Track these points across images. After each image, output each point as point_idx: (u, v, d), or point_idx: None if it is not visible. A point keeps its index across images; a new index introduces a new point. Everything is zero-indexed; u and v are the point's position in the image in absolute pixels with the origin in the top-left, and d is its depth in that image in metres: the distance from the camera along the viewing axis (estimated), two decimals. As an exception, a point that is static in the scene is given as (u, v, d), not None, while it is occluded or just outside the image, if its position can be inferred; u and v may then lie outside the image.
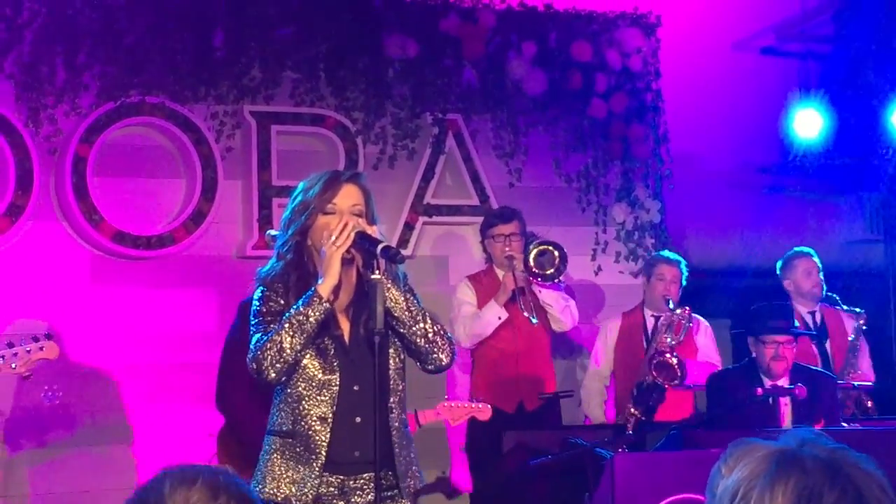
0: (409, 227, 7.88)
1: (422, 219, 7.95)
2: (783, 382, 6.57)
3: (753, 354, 6.71)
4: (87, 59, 7.15)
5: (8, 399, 6.88)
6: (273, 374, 4.12)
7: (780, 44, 9.22)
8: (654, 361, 7.10)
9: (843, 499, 1.94)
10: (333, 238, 4.09)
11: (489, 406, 6.43)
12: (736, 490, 1.99)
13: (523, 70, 8.14)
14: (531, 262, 7.16)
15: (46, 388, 6.61)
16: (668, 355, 7.08)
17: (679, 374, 7.06)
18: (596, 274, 8.39)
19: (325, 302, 4.09)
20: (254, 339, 4.19)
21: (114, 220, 7.17)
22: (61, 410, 7.03)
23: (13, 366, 5.82)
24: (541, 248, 7.21)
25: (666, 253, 7.84)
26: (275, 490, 4.15)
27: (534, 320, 7.12)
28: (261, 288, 4.26)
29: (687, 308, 7.29)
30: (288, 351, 4.09)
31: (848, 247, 9.32)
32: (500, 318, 7.20)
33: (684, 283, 7.55)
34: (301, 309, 4.08)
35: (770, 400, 6.57)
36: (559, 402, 7.43)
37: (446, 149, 8.00)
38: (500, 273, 7.34)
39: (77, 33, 7.11)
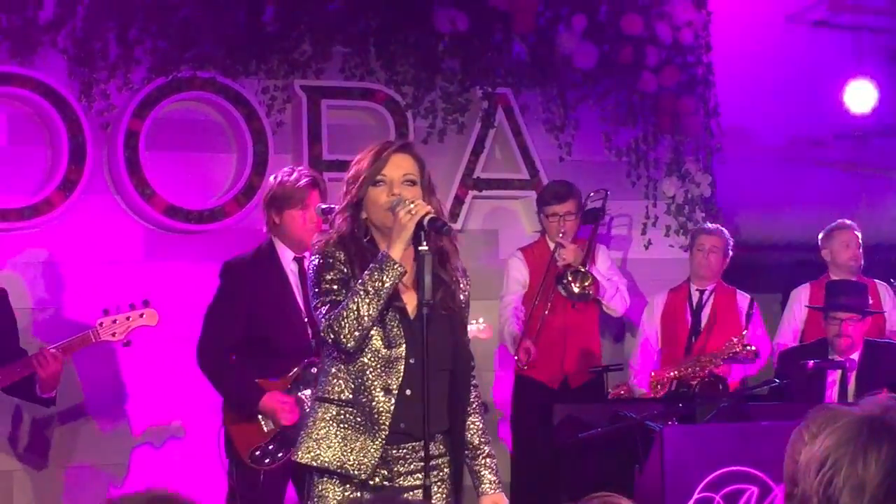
0: (458, 200, 7.88)
1: (471, 193, 7.94)
2: (854, 358, 6.62)
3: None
4: (139, 33, 7.19)
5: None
6: (352, 343, 4.07)
7: (833, 16, 9.12)
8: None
9: None
10: (411, 206, 4.07)
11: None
12: (824, 458, 1.95)
13: (573, 44, 8.11)
14: (568, 276, 7.16)
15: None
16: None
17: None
18: (646, 248, 8.38)
19: (398, 266, 4.06)
20: (324, 309, 4.13)
21: (166, 194, 7.22)
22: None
23: (113, 333, 5.92)
24: (582, 271, 7.20)
25: (708, 224, 7.86)
26: (330, 458, 4.15)
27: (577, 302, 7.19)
28: (318, 257, 4.22)
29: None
30: (366, 319, 4.05)
31: (901, 221, 9.24)
32: (514, 355, 7.26)
33: (730, 252, 7.56)
34: (376, 275, 4.04)
35: (839, 373, 6.61)
36: (604, 379, 7.45)
37: (496, 123, 7.99)
38: (551, 245, 7.36)
39: (129, 8, 7.15)
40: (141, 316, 6.02)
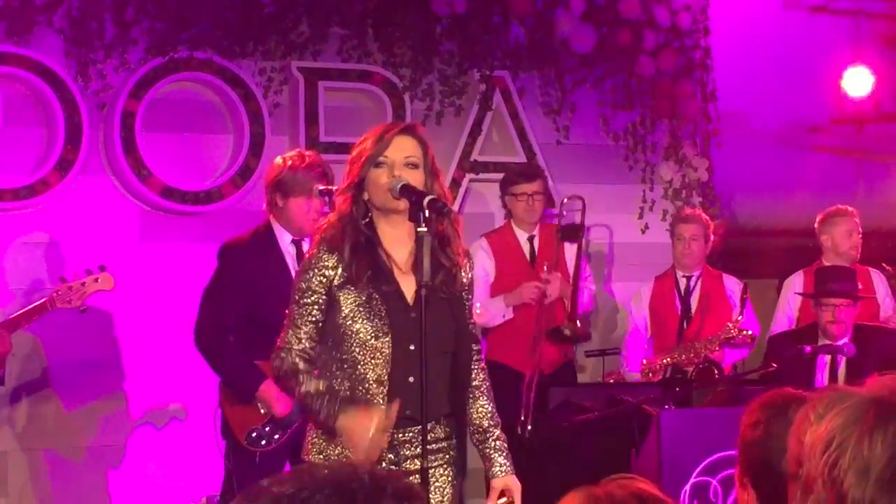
0: (455, 183, 7.86)
1: (468, 175, 7.93)
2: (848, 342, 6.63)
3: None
4: (136, 14, 7.16)
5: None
6: (285, 389, 4.26)
7: (831, 1, 9.12)
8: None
9: None
10: (364, 451, 4.03)
11: None
12: (830, 439, 1.91)
13: (571, 27, 8.09)
14: (564, 332, 7.09)
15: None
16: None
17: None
18: (643, 232, 8.36)
19: (338, 437, 4.11)
20: (286, 324, 4.19)
21: (162, 175, 7.20)
22: (111, 364, 7.11)
23: (69, 300, 5.88)
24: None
25: (686, 211, 7.83)
26: (338, 455, 4.13)
27: (567, 332, 7.06)
28: (309, 252, 4.22)
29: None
30: (302, 399, 4.18)
31: (898, 207, 9.24)
32: (503, 317, 7.15)
33: (711, 236, 7.53)
34: (321, 419, 4.10)
35: (829, 358, 6.61)
36: (574, 367, 7.51)
37: (493, 105, 7.97)
38: (518, 231, 7.31)
39: (126, -12, 7.14)
40: (96, 280, 5.96)
